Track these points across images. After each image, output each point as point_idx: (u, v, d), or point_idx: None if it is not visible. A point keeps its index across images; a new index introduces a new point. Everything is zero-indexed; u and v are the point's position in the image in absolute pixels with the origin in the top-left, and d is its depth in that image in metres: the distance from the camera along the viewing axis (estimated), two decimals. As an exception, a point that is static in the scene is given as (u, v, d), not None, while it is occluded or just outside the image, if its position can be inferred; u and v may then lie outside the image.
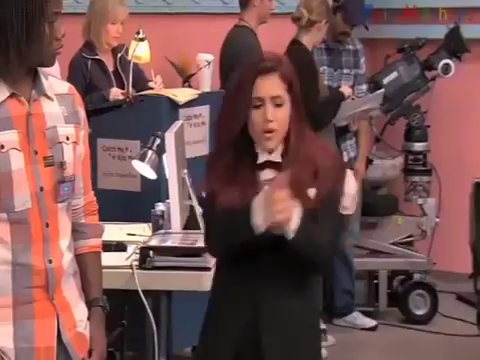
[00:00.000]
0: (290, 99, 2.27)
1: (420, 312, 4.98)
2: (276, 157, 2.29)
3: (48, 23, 2.02)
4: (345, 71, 4.83)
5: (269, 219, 2.17)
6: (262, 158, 2.29)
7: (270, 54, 2.30)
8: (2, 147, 2.02)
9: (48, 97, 2.11)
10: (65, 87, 2.19)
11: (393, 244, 5.09)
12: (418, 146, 5.10)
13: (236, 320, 2.30)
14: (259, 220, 2.19)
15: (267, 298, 2.28)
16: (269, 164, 2.29)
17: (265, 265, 2.28)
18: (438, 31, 5.20)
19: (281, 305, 2.28)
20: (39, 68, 2.10)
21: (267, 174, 2.29)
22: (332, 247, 2.31)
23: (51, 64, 2.09)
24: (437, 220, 5.08)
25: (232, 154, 2.28)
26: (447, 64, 5.03)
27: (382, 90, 4.84)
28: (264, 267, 2.28)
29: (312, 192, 2.26)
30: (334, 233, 2.30)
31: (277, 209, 2.16)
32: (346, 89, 4.59)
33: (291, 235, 2.18)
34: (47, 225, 2.07)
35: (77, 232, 2.21)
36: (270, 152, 2.29)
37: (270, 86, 2.25)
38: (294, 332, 2.29)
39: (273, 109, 2.25)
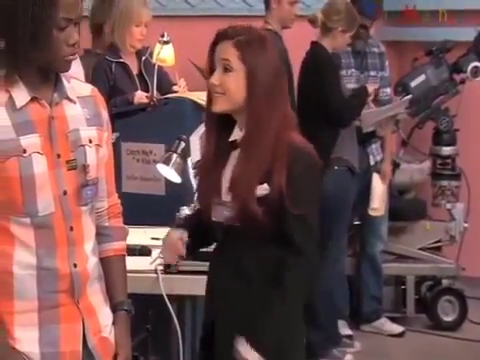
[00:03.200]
0: (245, 71, 2.22)
1: (448, 318, 4.93)
2: (238, 137, 2.27)
3: (57, 29, 2.00)
4: (372, 73, 4.81)
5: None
6: (233, 136, 2.28)
7: (239, 25, 2.29)
8: (24, 151, 2.01)
9: (70, 100, 2.09)
10: (87, 89, 2.17)
11: (421, 249, 5.05)
12: (446, 150, 5.04)
13: (207, 308, 2.38)
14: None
15: (221, 286, 2.29)
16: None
17: (221, 259, 2.30)
18: (467, 34, 5.12)
19: (232, 301, 2.26)
20: None
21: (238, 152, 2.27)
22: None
23: (64, 70, 2.07)
24: (466, 225, 5.03)
25: (214, 132, 2.29)
26: (476, 67, 4.96)
27: (408, 96, 4.79)
28: (222, 261, 2.30)
29: (263, 188, 2.19)
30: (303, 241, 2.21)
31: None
32: (370, 86, 4.56)
33: None
34: (71, 229, 2.06)
35: (101, 235, 2.19)
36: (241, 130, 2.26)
37: (221, 50, 2.25)
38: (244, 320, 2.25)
39: (221, 73, 2.24)
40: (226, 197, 2.26)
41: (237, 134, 2.28)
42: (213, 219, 2.29)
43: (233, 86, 2.22)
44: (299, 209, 2.18)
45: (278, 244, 2.23)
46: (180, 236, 2.42)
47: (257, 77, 2.21)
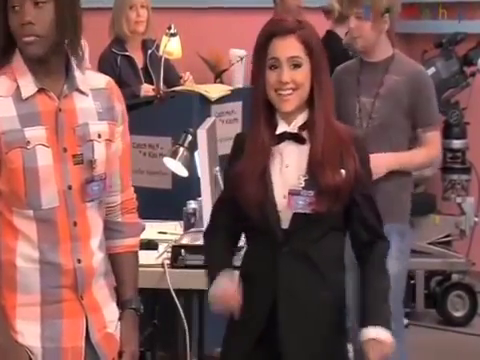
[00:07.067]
0: (310, 64, 2.20)
1: (458, 314, 4.90)
2: (294, 129, 2.22)
3: (11, 9, 1.96)
4: None
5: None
6: (280, 129, 2.23)
7: (290, 17, 2.23)
8: (28, 143, 1.99)
9: (81, 92, 2.06)
10: (102, 81, 2.12)
11: (430, 244, 5.01)
12: (457, 143, 5.01)
13: (255, 303, 2.21)
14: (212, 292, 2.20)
15: (286, 281, 2.19)
16: (289, 135, 2.23)
17: (285, 251, 2.20)
18: (476, 26, 5.10)
19: (300, 289, 2.19)
20: (73, 61, 2.05)
21: (286, 146, 2.22)
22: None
23: (26, 52, 2.00)
24: (476, 219, 4.99)
25: (257, 125, 2.23)
26: (487, 59, 4.93)
27: None
28: (285, 251, 2.20)
29: (342, 172, 2.20)
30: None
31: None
32: None
33: None
34: (75, 224, 2.04)
35: (112, 231, 2.15)
36: (289, 123, 2.22)
37: (287, 47, 2.19)
38: (314, 320, 2.20)
39: (290, 70, 2.18)
40: (295, 186, 2.19)
41: (285, 127, 2.23)
42: (293, 211, 2.18)
43: (303, 80, 2.19)
44: (368, 191, 2.26)
45: (337, 234, 2.25)
46: (231, 279, 2.18)
47: (321, 66, 2.21)
